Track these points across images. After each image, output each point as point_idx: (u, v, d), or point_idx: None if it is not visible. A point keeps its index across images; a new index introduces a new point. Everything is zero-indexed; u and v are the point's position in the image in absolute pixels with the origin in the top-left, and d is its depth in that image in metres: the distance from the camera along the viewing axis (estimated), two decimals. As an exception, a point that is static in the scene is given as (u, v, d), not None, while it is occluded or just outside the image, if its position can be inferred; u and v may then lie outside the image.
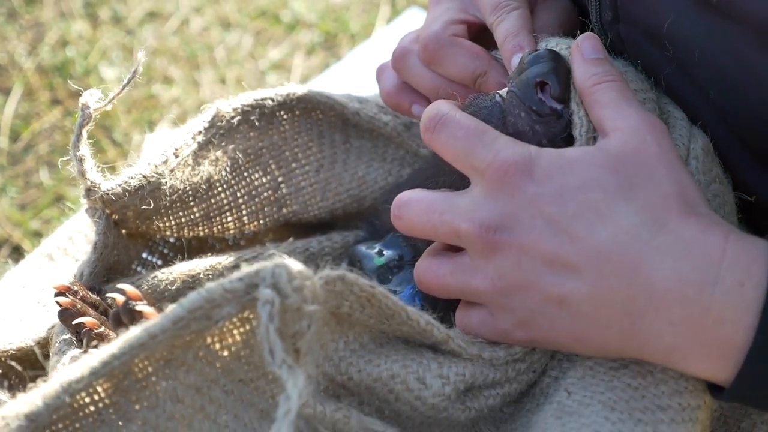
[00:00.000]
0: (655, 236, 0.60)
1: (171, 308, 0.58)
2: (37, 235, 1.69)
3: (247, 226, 0.86)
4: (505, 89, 0.71)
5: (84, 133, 0.74)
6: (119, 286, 0.72)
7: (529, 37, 0.73)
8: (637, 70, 0.73)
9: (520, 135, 0.68)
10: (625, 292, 0.60)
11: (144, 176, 0.76)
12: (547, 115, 0.67)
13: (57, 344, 0.72)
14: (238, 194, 0.84)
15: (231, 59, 2.00)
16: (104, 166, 0.77)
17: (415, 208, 0.67)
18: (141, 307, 0.69)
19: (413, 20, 1.96)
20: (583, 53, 0.68)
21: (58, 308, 0.72)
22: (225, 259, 0.82)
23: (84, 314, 0.71)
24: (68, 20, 2.06)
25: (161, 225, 0.81)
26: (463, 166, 0.66)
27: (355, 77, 1.71)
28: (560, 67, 0.68)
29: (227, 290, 0.57)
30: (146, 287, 0.78)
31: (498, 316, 0.66)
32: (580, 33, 0.70)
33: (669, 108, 0.73)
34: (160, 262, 0.86)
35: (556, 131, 0.68)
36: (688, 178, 0.63)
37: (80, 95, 0.74)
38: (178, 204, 0.81)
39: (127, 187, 0.76)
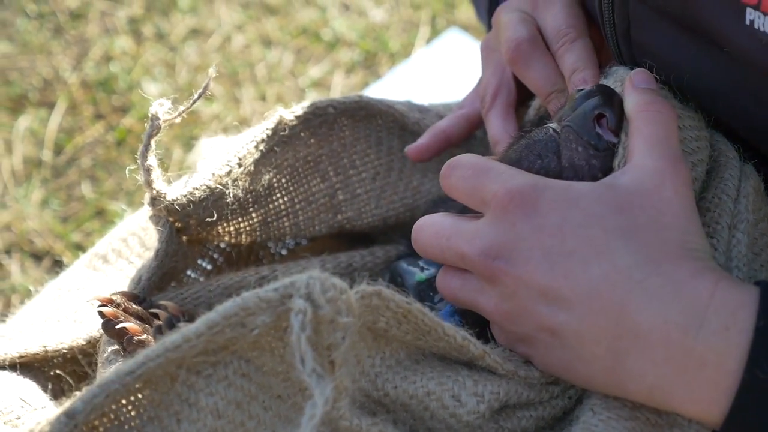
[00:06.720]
0: (647, 277, 0.60)
1: (207, 314, 0.59)
2: (79, 248, 1.71)
3: (303, 232, 0.86)
4: (554, 124, 0.71)
5: (152, 143, 0.73)
6: (162, 302, 0.73)
7: (595, 71, 0.76)
8: (697, 112, 0.73)
9: (575, 169, 0.68)
10: (612, 330, 0.61)
11: (208, 187, 0.77)
12: (604, 150, 0.67)
13: (105, 353, 0.72)
14: (296, 200, 0.85)
15: (272, 77, 2.02)
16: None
17: (428, 231, 0.68)
18: (183, 324, 0.70)
19: (453, 41, 1.97)
20: (634, 84, 0.69)
21: (101, 320, 0.72)
22: (272, 273, 0.82)
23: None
24: (112, 36, 2.09)
25: (221, 231, 0.82)
26: (473, 202, 0.67)
27: (394, 96, 1.72)
28: (616, 99, 0.68)
29: (262, 299, 0.58)
30: (196, 297, 0.79)
31: (503, 333, 0.68)
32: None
33: (721, 146, 0.73)
34: (210, 267, 0.86)
35: (612, 165, 0.67)
36: (696, 229, 0.63)
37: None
38: (238, 211, 0.81)
39: (192, 198, 0.76)
